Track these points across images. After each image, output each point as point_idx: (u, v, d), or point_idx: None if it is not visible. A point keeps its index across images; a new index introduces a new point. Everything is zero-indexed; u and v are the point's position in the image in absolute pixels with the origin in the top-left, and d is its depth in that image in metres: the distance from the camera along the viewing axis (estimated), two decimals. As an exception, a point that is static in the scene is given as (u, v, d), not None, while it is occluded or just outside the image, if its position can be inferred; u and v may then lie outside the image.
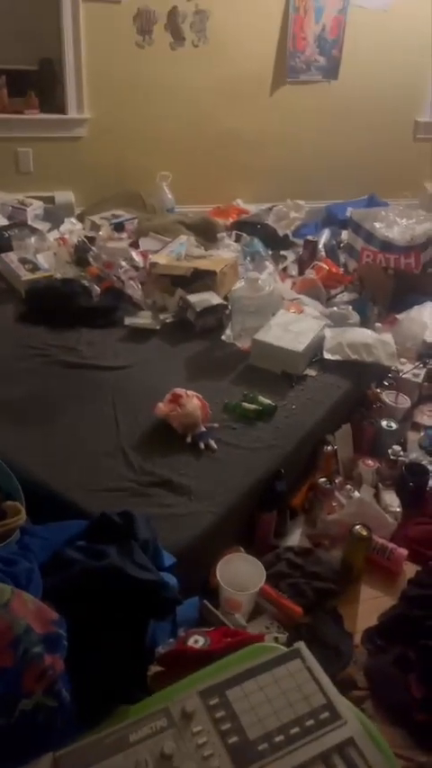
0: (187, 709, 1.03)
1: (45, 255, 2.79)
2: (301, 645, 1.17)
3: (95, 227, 3.14)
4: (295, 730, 1.01)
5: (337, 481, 2.10)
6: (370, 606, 1.81)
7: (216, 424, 1.96)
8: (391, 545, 1.91)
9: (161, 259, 2.71)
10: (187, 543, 1.59)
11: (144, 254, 2.81)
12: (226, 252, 3.02)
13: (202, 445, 1.88)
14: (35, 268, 2.66)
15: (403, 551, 1.90)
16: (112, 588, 1.12)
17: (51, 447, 1.84)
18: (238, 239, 3.42)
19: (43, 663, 0.95)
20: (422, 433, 2.39)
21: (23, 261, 2.68)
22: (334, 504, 2.03)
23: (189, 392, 1.96)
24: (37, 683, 0.95)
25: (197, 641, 1.37)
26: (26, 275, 2.61)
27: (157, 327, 2.46)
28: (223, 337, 2.44)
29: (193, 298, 2.47)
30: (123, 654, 1.24)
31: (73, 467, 1.77)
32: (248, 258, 3.12)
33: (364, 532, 1.83)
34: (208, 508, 1.70)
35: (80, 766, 0.94)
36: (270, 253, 3.30)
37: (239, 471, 1.83)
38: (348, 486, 2.11)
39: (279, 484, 1.88)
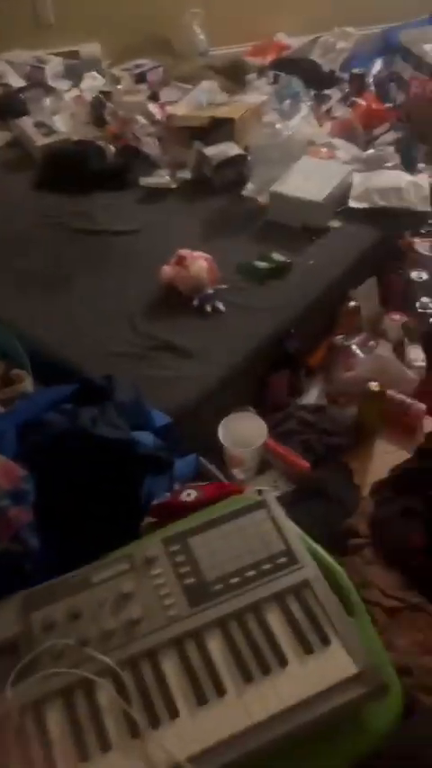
0: (149, 554, 1.09)
1: (62, 117, 2.67)
2: (268, 495, 1.20)
3: (115, 80, 2.95)
4: (251, 573, 1.06)
5: (358, 338, 2.02)
6: (383, 461, 1.79)
7: (224, 286, 1.90)
8: (409, 400, 1.86)
9: (180, 110, 2.53)
10: (185, 404, 1.60)
11: (163, 107, 2.63)
12: (254, 95, 2.77)
13: (208, 308, 1.84)
14: (50, 131, 2.56)
15: (422, 406, 1.85)
16: (82, 447, 1.17)
17: (60, 314, 1.85)
18: (276, 80, 3.12)
19: (7, 515, 1.02)
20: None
21: (39, 124, 2.58)
22: (353, 360, 1.98)
23: (196, 253, 1.90)
24: (3, 532, 1.03)
25: (189, 495, 1.43)
26: (41, 140, 2.52)
27: (174, 186, 2.34)
28: (244, 192, 2.30)
29: (209, 150, 2.32)
30: (115, 507, 1.31)
31: (80, 333, 1.78)
32: (286, 101, 2.86)
33: (377, 388, 1.78)
34: (210, 370, 1.69)
35: (46, 602, 1.03)
36: (313, 93, 3.01)
37: (245, 332, 1.79)
38: (372, 343, 2.03)
39: (289, 343, 1.83)
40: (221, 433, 1.64)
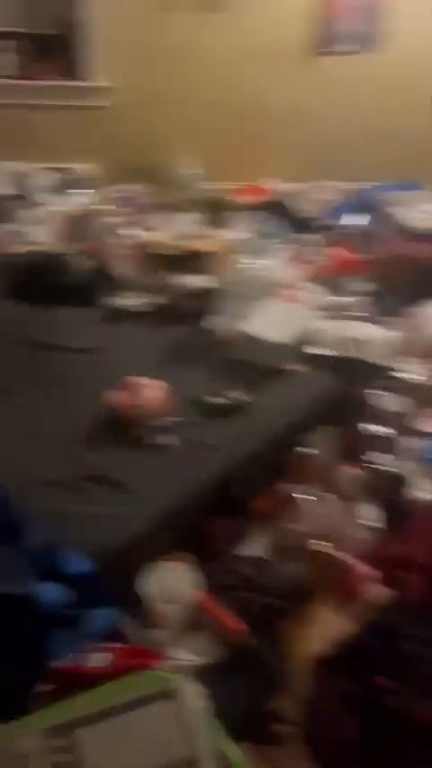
0: (22, 748, 0.91)
1: (43, 229, 2.69)
2: (182, 682, 1.04)
3: (102, 200, 3.02)
4: (143, 787, 0.88)
5: (307, 488, 1.92)
6: (324, 629, 1.64)
7: (170, 419, 1.81)
8: (356, 563, 1.73)
9: (159, 237, 2.56)
10: (111, 546, 1.45)
11: (143, 231, 2.67)
12: (234, 232, 2.84)
13: (153, 439, 1.74)
14: (27, 242, 2.56)
15: (366, 570, 1.72)
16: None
17: (-6, 431, 1.74)
18: (259, 219, 3.23)
19: None
20: (421, 442, 2.18)
21: (16, 234, 2.59)
22: (299, 512, 1.86)
23: (150, 381, 1.82)
24: None
25: (97, 659, 1.25)
26: (14, 248, 2.52)
27: (141, 310, 2.32)
28: (209, 325, 2.28)
29: (179, 279, 2.32)
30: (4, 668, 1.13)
31: (10, 454, 1.66)
32: (265, 240, 2.94)
33: (321, 548, 1.66)
34: (144, 509, 1.55)
35: None
36: (292, 236, 3.11)
37: (189, 471, 1.68)
38: (323, 495, 1.93)
39: (236, 488, 1.73)
40: (146, 584, 1.48)
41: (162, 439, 1.74)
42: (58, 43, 3.43)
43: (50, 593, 1.13)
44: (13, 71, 3.34)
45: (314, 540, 1.69)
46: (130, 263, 2.50)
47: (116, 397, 1.78)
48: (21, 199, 2.89)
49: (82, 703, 1.05)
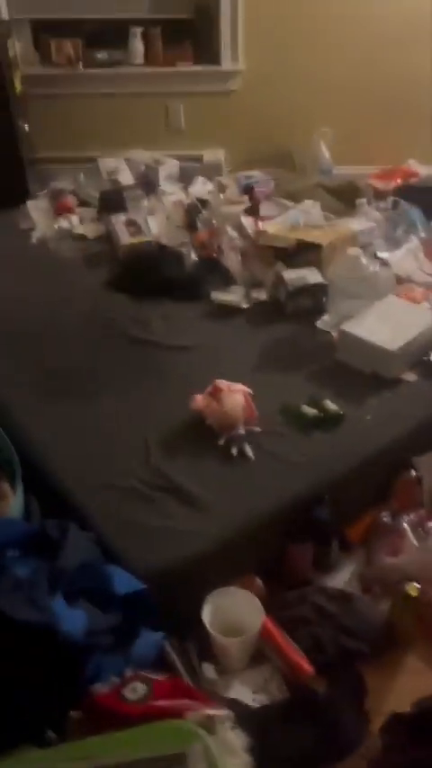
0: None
1: (157, 218, 2.64)
2: (192, 751, 0.92)
3: (221, 187, 2.91)
4: None
5: (413, 516, 1.69)
6: (411, 684, 1.43)
7: (258, 428, 1.67)
8: None
9: (272, 227, 2.40)
10: (171, 565, 1.36)
11: (257, 221, 2.52)
12: (360, 221, 2.60)
13: (234, 450, 1.61)
14: (138, 231, 2.52)
15: None
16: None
17: (73, 426, 1.70)
18: (395, 206, 2.95)
19: None
20: None
21: (130, 223, 2.56)
22: (399, 544, 1.64)
23: (235, 386, 1.69)
24: None
25: (135, 690, 1.17)
26: (126, 238, 2.49)
27: (245, 306, 2.19)
28: (318, 323, 2.09)
29: (288, 274, 2.15)
30: (34, 691, 1.08)
31: (85, 453, 1.62)
32: (399, 229, 2.67)
33: (414, 591, 1.44)
34: (213, 528, 1.44)
35: None
36: (427, 226, 2.80)
37: (271, 488, 1.53)
38: (429, 526, 1.69)
39: (319, 511, 1.55)
40: (206, 611, 1.36)
41: (243, 450, 1.61)
42: (188, 28, 3.36)
43: (76, 619, 1.05)
44: (143, 58, 3.32)
45: (410, 580, 1.47)
46: (243, 255, 2.37)
47: (200, 402, 1.67)
48: (145, 188, 2.85)
49: (103, 747, 0.98)
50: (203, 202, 2.65)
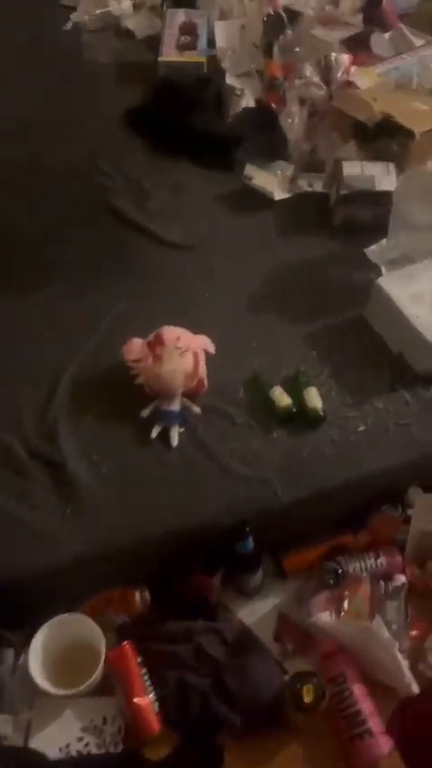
0: None
1: (229, 27, 1.91)
2: None
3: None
4: None
5: (381, 560, 1.27)
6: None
7: (197, 409, 1.22)
8: (371, 723, 1.12)
9: (365, 78, 1.65)
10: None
11: (356, 62, 1.75)
12: None
13: (155, 431, 1.20)
14: (191, 44, 1.84)
15: (385, 741, 1.11)
16: None
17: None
18: None
19: None
20: None
21: (186, 29, 1.87)
22: (347, 597, 1.24)
23: (188, 337, 1.21)
24: None
25: None
26: (171, 52, 1.82)
27: (279, 197, 1.58)
28: (368, 251, 1.48)
29: (350, 167, 1.49)
30: None
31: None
32: None
33: (308, 696, 1.08)
34: (78, 540, 1.09)
35: None
36: None
37: (183, 500, 1.14)
38: (399, 581, 1.26)
39: (242, 546, 1.16)
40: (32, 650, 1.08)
41: (168, 433, 1.19)
42: None
43: None
44: None
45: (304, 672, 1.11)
46: (314, 115, 1.68)
47: (133, 350, 1.22)
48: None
49: None
50: (293, 15, 1.85)
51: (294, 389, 1.24)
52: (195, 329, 1.28)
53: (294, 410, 1.21)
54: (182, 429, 1.20)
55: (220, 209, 1.57)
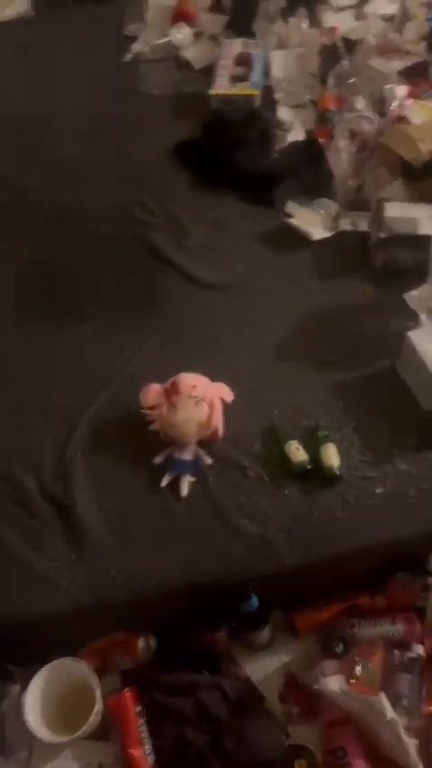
0: None
1: (286, 55, 1.88)
2: None
3: (406, 16, 1.95)
4: None
5: (398, 627, 1.20)
6: None
7: (209, 460, 1.20)
8: None
9: (421, 114, 1.58)
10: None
11: (415, 94, 1.68)
12: None
13: (165, 480, 1.19)
14: (243, 75, 1.82)
15: None
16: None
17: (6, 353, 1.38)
18: None
19: None
20: None
21: (241, 59, 1.86)
22: (359, 663, 1.19)
23: (206, 385, 1.20)
24: None
25: None
26: (223, 84, 1.81)
27: (318, 236, 1.53)
28: (408, 297, 1.41)
29: (393, 209, 1.43)
30: None
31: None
32: None
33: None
34: (75, 587, 1.10)
35: None
36: None
37: (188, 555, 1.12)
38: (415, 652, 1.19)
39: (245, 605, 1.13)
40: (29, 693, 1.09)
41: (183, 481, 1.18)
42: None
43: None
44: None
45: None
46: (363, 150, 1.62)
47: (151, 396, 1.22)
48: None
49: None
50: (352, 45, 1.80)
51: (312, 444, 1.20)
52: (219, 374, 1.27)
53: (309, 467, 1.17)
54: (193, 479, 1.19)
55: (258, 249, 1.55)
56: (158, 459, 1.21)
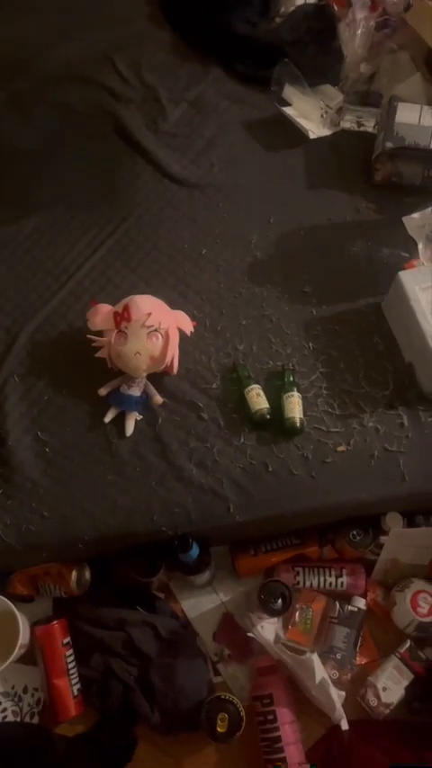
0: None
1: None
2: None
3: None
4: None
5: (341, 580, 1.16)
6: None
7: (159, 398, 1.07)
8: (287, 752, 1.07)
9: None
10: None
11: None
12: None
13: (109, 416, 1.07)
14: None
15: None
16: None
17: None
18: None
19: None
20: None
21: None
22: (298, 610, 1.16)
23: (164, 312, 1.04)
24: None
25: None
26: None
27: (314, 135, 1.30)
28: (407, 219, 1.23)
29: (405, 112, 1.20)
30: None
31: None
32: None
33: (222, 727, 1.02)
34: (6, 530, 1.01)
35: None
36: None
37: (129, 499, 1.03)
38: (356, 606, 1.16)
39: (186, 556, 1.06)
40: None
41: (129, 419, 1.06)
42: None
43: None
44: None
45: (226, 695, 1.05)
46: (383, 28, 1.34)
47: (99, 317, 1.06)
48: None
49: None
50: None
51: (275, 390, 1.08)
52: (180, 296, 1.12)
53: (269, 417, 1.06)
54: (140, 417, 1.07)
55: (243, 141, 1.32)
56: (103, 391, 1.08)
